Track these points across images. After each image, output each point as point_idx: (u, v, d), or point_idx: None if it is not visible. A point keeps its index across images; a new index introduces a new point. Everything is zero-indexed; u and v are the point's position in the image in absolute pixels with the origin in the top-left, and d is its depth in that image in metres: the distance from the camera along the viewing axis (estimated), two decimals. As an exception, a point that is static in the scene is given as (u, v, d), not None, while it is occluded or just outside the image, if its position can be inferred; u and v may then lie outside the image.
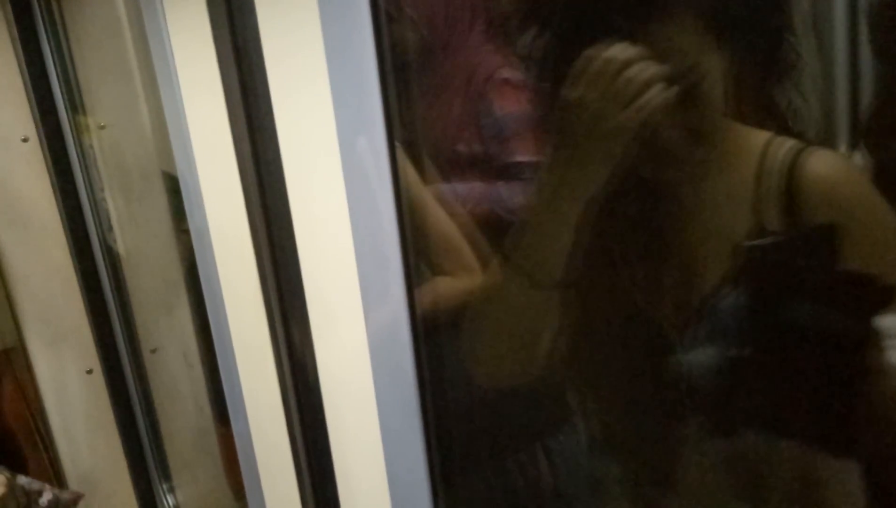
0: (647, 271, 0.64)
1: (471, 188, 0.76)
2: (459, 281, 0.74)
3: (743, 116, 0.57)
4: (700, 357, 0.60)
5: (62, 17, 1.65)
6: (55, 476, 2.03)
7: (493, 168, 0.75)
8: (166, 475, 2.04)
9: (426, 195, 0.71)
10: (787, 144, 0.54)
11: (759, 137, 0.55)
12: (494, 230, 0.73)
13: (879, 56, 0.47)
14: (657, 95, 0.53)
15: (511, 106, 0.75)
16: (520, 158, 0.74)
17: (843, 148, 0.51)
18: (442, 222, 0.74)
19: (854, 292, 0.51)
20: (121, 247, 1.76)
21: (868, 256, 0.51)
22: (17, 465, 2.22)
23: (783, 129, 0.54)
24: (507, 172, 0.75)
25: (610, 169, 0.58)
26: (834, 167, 0.53)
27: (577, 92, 0.55)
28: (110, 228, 1.76)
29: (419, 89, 0.67)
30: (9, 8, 1.66)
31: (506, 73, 0.75)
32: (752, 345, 0.58)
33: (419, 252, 0.71)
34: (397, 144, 0.63)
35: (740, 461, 0.61)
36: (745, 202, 0.56)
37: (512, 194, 0.75)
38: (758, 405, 0.59)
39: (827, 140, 0.52)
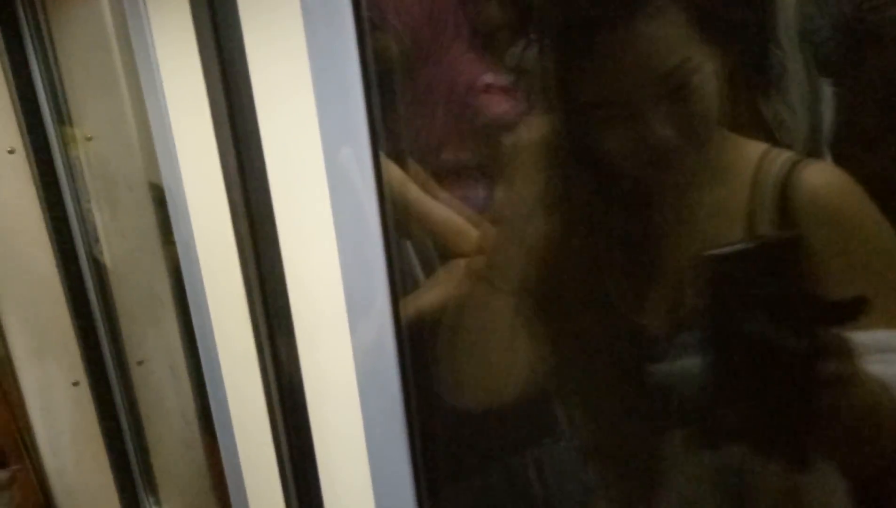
0: (631, 279, 0.64)
1: (458, 194, 0.76)
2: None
3: (738, 127, 0.57)
4: (683, 368, 0.60)
5: (49, 28, 1.65)
6: (41, 488, 2.01)
7: (479, 174, 0.76)
8: (152, 487, 2.03)
9: (417, 190, 0.70)
10: (782, 156, 0.54)
11: (755, 148, 0.55)
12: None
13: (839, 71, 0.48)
14: None
15: (495, 111, 0.75)
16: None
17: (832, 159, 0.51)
18: (439, 207, 0.73)
19: (844, 305, 0.51)
20: (107, 259, 1.76)
21: (859, 269, 0.51)
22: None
23: (778, 141, 0.54)
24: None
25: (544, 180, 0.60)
26: (828, 180, 0.53)
27: None
28: (97, 239, 1.75)
29: (403, 98, 0.67)
30: (-5, 19, 1.65)
31: (489, 78, 0.75)
32: (736, 356, 0.58)
33: (423, 245, 0.70)
34: (381, 154, 0.63)
35: (730, 474, 0.61)
36: (739, 213, 0.56)
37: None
38: (748, 417, 0.59)
39: (820, 152, 0.53)
